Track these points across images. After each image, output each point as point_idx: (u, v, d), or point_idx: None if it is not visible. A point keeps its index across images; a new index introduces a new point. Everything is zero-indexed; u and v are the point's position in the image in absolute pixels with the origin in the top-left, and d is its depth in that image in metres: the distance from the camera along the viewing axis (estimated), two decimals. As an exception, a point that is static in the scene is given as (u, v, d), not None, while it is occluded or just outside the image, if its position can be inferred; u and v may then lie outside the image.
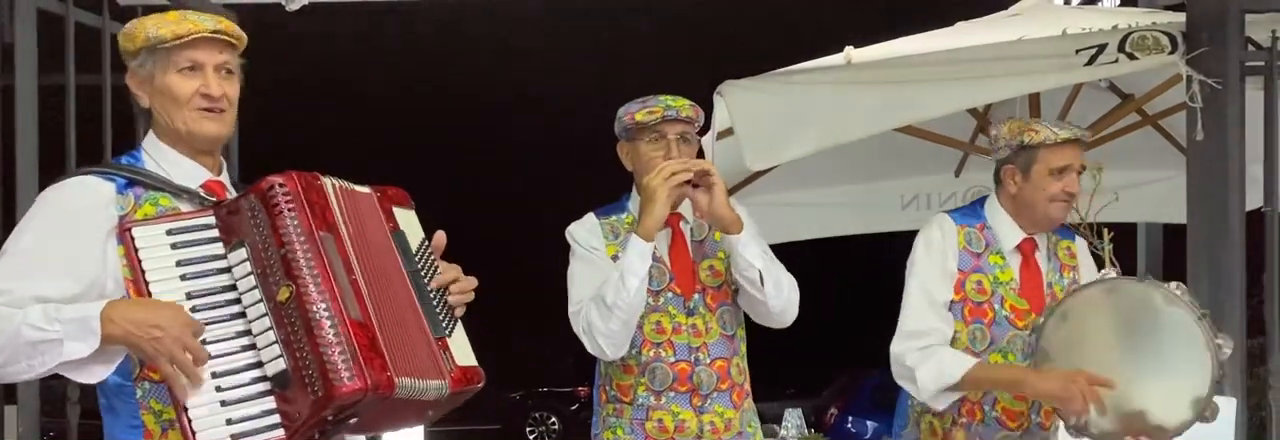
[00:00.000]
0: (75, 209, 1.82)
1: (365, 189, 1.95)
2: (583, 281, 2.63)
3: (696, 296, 2.65)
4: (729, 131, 3.91)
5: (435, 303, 1.92)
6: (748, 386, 2.74)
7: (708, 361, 2.64)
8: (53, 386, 3.42)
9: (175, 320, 1.70)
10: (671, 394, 2.62)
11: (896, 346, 2.58)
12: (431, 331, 1.88)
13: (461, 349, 1.92)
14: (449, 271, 1.97)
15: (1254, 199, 3.65)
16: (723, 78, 3.77)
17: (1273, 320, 3.57)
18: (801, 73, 4.25)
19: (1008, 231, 2.66)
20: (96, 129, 3.46)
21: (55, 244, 1.80)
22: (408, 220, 1.99)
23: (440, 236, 1.99)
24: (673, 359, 2.63)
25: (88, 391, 3.36)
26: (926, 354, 2.53)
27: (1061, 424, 2.55)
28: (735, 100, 3.75)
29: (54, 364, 1.73)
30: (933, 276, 2.62)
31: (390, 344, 1.76)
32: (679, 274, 2.66)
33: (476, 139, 21.32)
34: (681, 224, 2.70)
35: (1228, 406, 3.44)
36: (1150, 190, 5.14)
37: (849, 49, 4.37)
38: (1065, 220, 2.70)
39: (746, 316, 2.76)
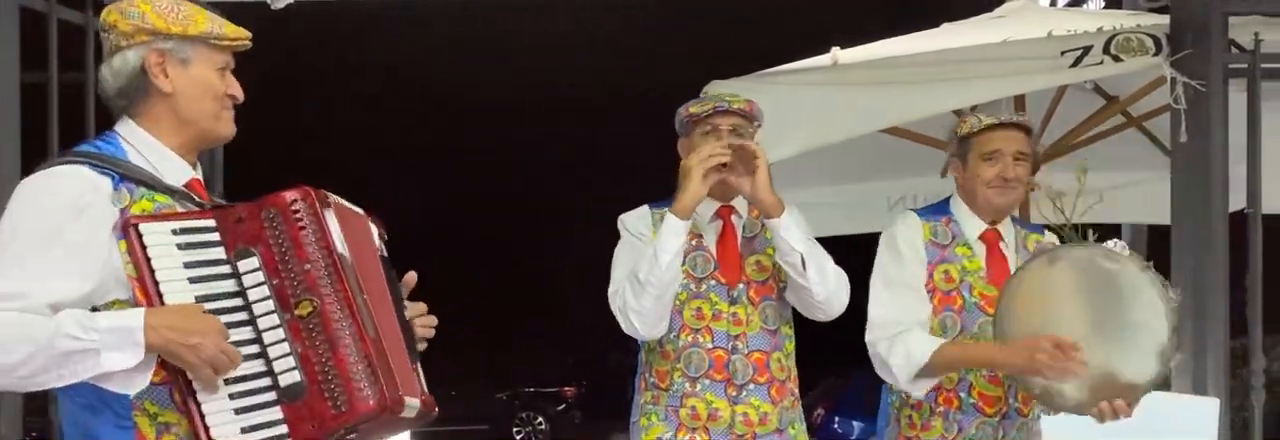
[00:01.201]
0: (76, 203, 1.72)
1: (359, 210, 1.95)
2: (623, 263, 2.67)
3: (741, 287, 2.67)
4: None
5: (411, 330, 1.96)
6: (792, 386, 2.72)
7: (746, 351, 2.64)
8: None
9: (212, 327, 1.68)
10: (707, 381, 2.63)
11: (868, 337, 2.62)
12: (410, 356, 1.92)
13: (421, 377, 1.95)
14: (418, 306, 2.00)
15: (1237, 200, 3.67)
16: (711, 78, 3.78)
17: (1255, 321, 3.59)
18: (789, 73, 4.26)
19: (970, 222, 2.69)
20: (79, 127, 3.45)
21: (55, 241, 1.69)
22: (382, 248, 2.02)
23: (412, 276, 2.01)
24: (711, 345, 2.64)
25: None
26: (895, 340, 2.56)
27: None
28: (722, 101, 3.74)
29: (89, 375, 1.66)
30: (897, 266, 2.66)
31: (395, 364, 1.80)
32: (724, 264, 2.68)
33: (470, 139, 21.31)
34: (733, 217, 2.72)
35: (1211, 407, 3.47)
36: (1135, 191, 5.17)
37: (836, 49, 4.38)
38: (1010, 206, 2.69)
39: (795, 318, 2.75)
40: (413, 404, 1.81)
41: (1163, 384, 2.49)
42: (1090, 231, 3.75)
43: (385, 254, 1.96)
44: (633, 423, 2.72)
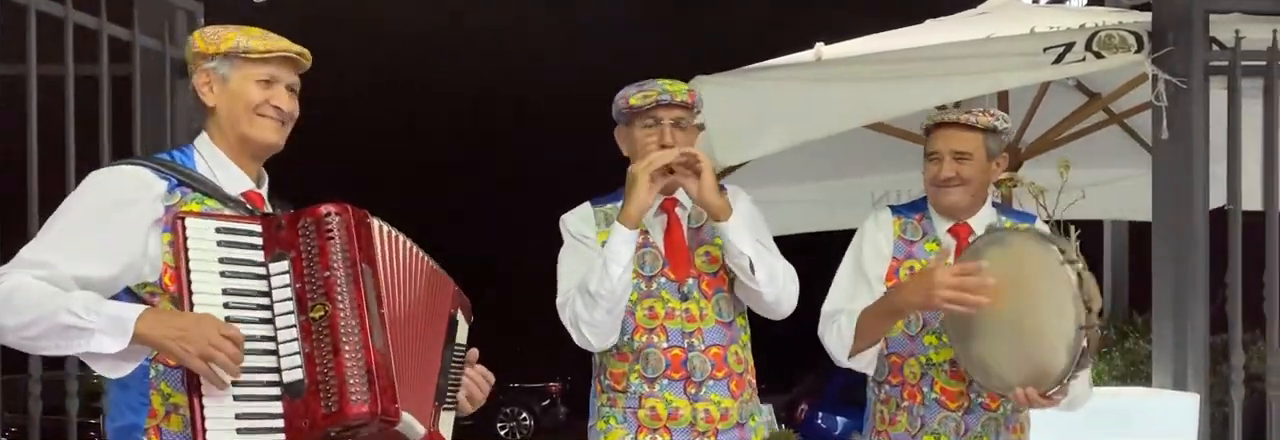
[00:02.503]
0: (125, 198, 1.91)
1: (424, 257, 2.07)
2: (570, 271, 2.60)
3: (691, 282, 2.60)
4: (701, 127, 3.90)
5: (451, 384, 2.14)
6: (750, 378, 2.68)
7: (702, 348, 2.58)
8: (14, 383, 3.40)
9: (204, 323, 1.79)
10: (665, 381, 2.57)
11: (819, 327, 2.65)
12: (436, 397, 2.07)
13: (445, 424, 2.12)
14: (479, 368, 2.22)
15: (1218, 198, 3.69)
16: (695, 73, 3.77)
17: (1235, 317, 3.61)
18: (773, 69, 4.26)
19: (940, 218, 2.69)
20: (58, 120, 3.43)
21: (98, 226, 1.88)
22: (463, 327, 2.21)
23: (474, 352, 2.22)
24: (666, 345, 2.57)
25: (50, 389, 3.35)
26: (833, 326, 2.61)
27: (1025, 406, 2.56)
28: (707, 95, 3.71)
29: (78, 351, 1.81)
30: (855, 263, 2.68)
31: (402, 380, 1.88)
32: (673, 259, 2.61)
33: (448, 132, 21.22)
34: (677, 209, 2.64)
35: (1191, 403, 3.49)
36: (1116, 188, 5.20)
37: (819, 45, 4.39)
38: (958, 204, 2.64)
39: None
40: (409, 421, 1.87)
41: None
42: (1073, 227, 3.77)
43: (459, 321, 2.17)
44: (589, 427, 2.67)
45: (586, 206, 2.67)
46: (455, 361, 2.16)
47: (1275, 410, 3.62)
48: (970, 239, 2.64)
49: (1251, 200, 3.64)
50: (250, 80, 2.01)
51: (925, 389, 2.63)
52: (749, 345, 2.70)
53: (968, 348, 2.52)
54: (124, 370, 1.85)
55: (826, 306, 2.67)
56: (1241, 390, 3.61)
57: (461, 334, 2.19)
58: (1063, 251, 2.36)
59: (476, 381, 2.20)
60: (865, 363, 2.62)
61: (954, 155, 2.62)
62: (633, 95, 2.58)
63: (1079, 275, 2.34)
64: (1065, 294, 2.35)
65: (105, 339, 1.78)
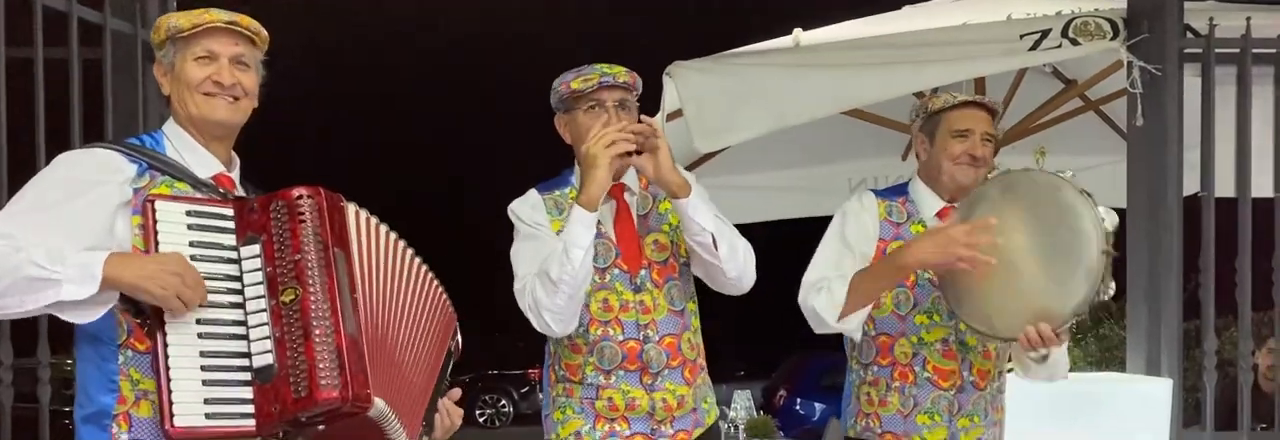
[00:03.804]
0: (92, 178, 1.89)
1: (406, 246, 2.04)
2: (527, 258, 2.54)
3: (643, 272, 2.58)
4: (679, 113, 3.90)
5: (437, 388, 2.09)
6: (701, 362, 2.67)
7: (657, 339, 2.57)
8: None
9: (171, 262, 1.78)
10: (621, 373, 2.56)
11: (800, 297, 2.63)
12: (428, 400, 2.04)
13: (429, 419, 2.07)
14: (452, 404, 2.17)
15: (1192, 184, 3.71)
16: (673, 58, 3.76)
17: (1208, 303, 3.64)
18: (750, 54, 4.26)
19: (928, 201, 2.69)
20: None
21: (62, 205, 1.86)
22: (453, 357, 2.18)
23: (456, 391, 2.20)
24: (621, 337, 2.55)
25: (20, 376, 3.32)
26: (820, 291, 2.58)
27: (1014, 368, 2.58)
28: (684, 81, 3.74)
29: (47, 303, 1.79)
30: (840, 238, 2.67)
31: (376, 367, 1.84)
32: (625, 249, 2.58)
33: (418, 118, 21.14)
34: (626, 195, 2.61)
35: (1164, 387, 3.52)
36: (1092, 175, 5.18)
37: (797, 31, 4.38)
38: (973, 184, 2.66)
39: (698, 291, 2.70)
40: (383, 409, 1.83)
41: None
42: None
43: (452, 352, 2.14)
44: (545, 417, 2.65)
45: (533, 194, 2.62)
46: (442, 373, 2.12)
47: (1245, 394, 3.66)
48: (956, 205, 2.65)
49: (1224, 187, 3.66)
50: (189, 60, 1.98)
51: (917, 368, 2.63)
52: (700, 330, 2.68)
53: (965, 301, 2.52)
54: (93, 315, 1.83)
55: (810, 275, 2.63)
56: (1214, 375, 3.64)
57: (450, 363, 2.16)
58: (1075, 183, 2.39)
59: (451, 411, 2.16)
60: (853, 325, 2.58)
61: (984, 136, 2.64)
62: (572, 80, 2.53)
63: (1093, 200, 2.37)
64: (1085, 220, 2.36)
65: (73, 287, 1.77)
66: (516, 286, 2.53)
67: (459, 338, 2.19)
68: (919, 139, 2.72)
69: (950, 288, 2.56)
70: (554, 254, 2.44)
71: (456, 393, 2.19)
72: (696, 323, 2.66)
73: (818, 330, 2.61)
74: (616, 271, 2.57)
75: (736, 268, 2.53)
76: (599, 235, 2.53)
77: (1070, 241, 2.38)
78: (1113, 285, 2.42)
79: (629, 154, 2.45)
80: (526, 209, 2.59)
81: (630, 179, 2.60)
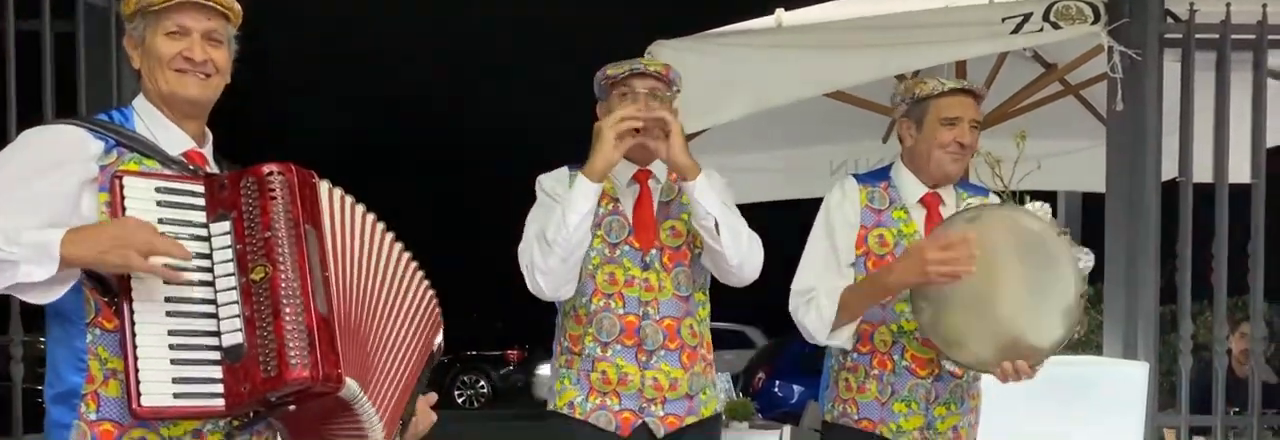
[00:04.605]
0: (55, 157, 1.84)
1: (384, 229, 2.01)
2: (535, 222, 2.64)
3: (654, 252, 2.65)
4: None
5: (416, 380, 2.06)
6: (704, 352, 2.71)
7: (656, 317, 2.63)
8: (-44, 348, 3.33)
9: (130, 228, 1.73)
10: (618, 347, 2.62)
11: (791, 307, 2.66)
12: (410, 394, 2.02)
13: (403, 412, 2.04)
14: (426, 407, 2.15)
15: (1170, 169, 3.72)
16: (655, 37, 3.74)
17: (1184, 288, 3.66)
18: (732, 34, 4.23)
19: (911, 187, 2.69)
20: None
21: (22, 184, 1.81)
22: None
23: (433, 396, 2.18)
24: (622, 311, 2.62)
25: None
26: (809, 305, 2.61)
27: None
28: (665, 60, 3.71)
29: (5, 285, 1.76)
30: (825, 237, 2.68)
31: (348, 347, 1.82)
32: (639, 228, 2.66)
33: (408, 100, 21.03)
34: (651, 181, 2.70)
35: (1140, 371, 3.54)
36: (1071, 159, 5.23)
37: (780, 11, 4.36)
38: (959, 172, 2.70)
39: (712, 285, 2.74)
40: (356, 390, 1.81)
41: (1064, 349, 2.50)
42: (1027, 197, 3.79)
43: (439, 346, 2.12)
44: (550, 388, 2.73)
45: (564, 169, 2.71)
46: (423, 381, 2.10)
47: (1220, 378, 3.68)
48: (939, 209, 2.66)
49: (1202, 172, 3.68)
50: (160, 35, 1.94)
51: (896, 357, 2.64)
52: (707, 321, 2.74)
53: (937, 323, 2.53)
54: (56, 294, 1.80)
55: (797, 284, 2.66)
56: (1190, 359, 3.67)
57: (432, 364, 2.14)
58: (1055, 223, 2.45)
59: (423, 414, 2.13)
60: (843, 338, 2.62)
61: (972, 123, 2.65)
62: (610, 68, 2.66)
63: (1072, 244, 2.43)
64: (1065, 263, 2.41)
65: (32, 268, 1.72)
66: (520, 247, 2.62)
67: (441, 340, 2.16)
68: (904, 124, 2.70)
69: (925, 305, 2.55)
70: (553, 217, 2.55)
71: (433, 397, 2.17)
72: (704, 313, 2.73)
73: (810, 341, 2.65)
74: (627, 248, 2.65)
75: (738, 254, 2.58)
76: (616, 213, 2.64)
77: (1052, 282, 2.43)
78: (1084, 324, 2.48)
79: (637, 132, 2.54)
80: (551, 181, 2.70)
81: (658, 168, 2.69)
